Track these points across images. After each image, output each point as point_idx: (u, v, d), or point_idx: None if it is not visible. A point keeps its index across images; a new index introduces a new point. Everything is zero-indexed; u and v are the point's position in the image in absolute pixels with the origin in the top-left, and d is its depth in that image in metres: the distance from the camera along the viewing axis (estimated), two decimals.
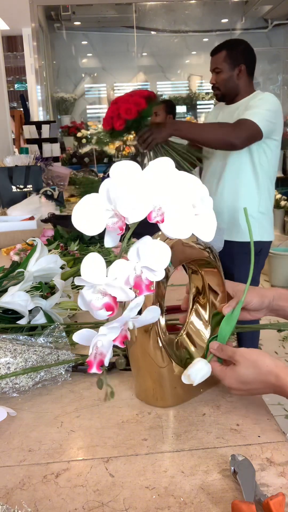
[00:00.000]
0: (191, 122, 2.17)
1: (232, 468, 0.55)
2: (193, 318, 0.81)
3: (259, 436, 0.63)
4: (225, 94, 2.03)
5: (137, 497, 0.53)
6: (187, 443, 0.62)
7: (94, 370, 0.55)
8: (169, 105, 3.50)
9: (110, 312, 0.55)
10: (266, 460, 0.58)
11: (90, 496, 0.54)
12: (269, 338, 2.95)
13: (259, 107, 1.83)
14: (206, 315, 0.79)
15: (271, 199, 2.03)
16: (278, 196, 5.18)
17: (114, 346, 0.57)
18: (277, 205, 5.12)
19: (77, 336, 0.57)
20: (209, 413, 0.68)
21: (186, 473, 0.57)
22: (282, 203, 5.12)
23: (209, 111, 2.28)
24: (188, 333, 0.81)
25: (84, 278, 0.54)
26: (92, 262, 0.55)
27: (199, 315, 0.81)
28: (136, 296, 0.57)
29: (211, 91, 5.88)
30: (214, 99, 2.10)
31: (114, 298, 0.55)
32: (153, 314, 0.61)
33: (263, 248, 2.02)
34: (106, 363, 0.56)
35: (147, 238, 0.57)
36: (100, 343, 0.56)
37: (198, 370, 0.66)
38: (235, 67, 1.97)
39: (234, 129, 1.79)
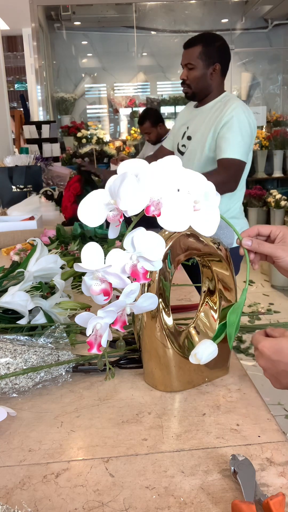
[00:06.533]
0: None
1: (232, 468, 0.55)
2: (203, 313, 0.82)
3: (259, 436, 0.63)
4: (196, 93, 1.91)
5: (137, 497, 0.53)
6: (187, 443, 0.62)
7: (94, 350, 0.60)
8: (153, 116, 3.30)
9: (107, 297, 0.60)
10: (266, 460, 0.58)
11: (90, 496, 0.54)
12: None
13: (235, 137, 1.73)
14: (215, 312, 0.80)
15: (241, 201, 1.98)
16: (278, 196, 5.17)
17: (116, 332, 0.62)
18: (277, 205, 5.12)
19: (78, 319, 0.62)
20: (209, 413, 0.68)
21: (186, 473, 0.57)
22: (282, 203, 5.11)
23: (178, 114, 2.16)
24: (195, 327, 0.82)
25: (83, 265, 0.59)
26: (91, 250, 0.59)
27: (208, 311, 0.81)
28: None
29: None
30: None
31: (111, 284, 0.60)
32: (150, 300, 0.64)
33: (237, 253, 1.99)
34: (104, 344, 0.61)
35: (141, 230, 0.60)
36: (99, 325, 0.60)
37: (205, 349, 0.66)
38: (210, 65, 1.84)
39: (225, 177, 1.73)
